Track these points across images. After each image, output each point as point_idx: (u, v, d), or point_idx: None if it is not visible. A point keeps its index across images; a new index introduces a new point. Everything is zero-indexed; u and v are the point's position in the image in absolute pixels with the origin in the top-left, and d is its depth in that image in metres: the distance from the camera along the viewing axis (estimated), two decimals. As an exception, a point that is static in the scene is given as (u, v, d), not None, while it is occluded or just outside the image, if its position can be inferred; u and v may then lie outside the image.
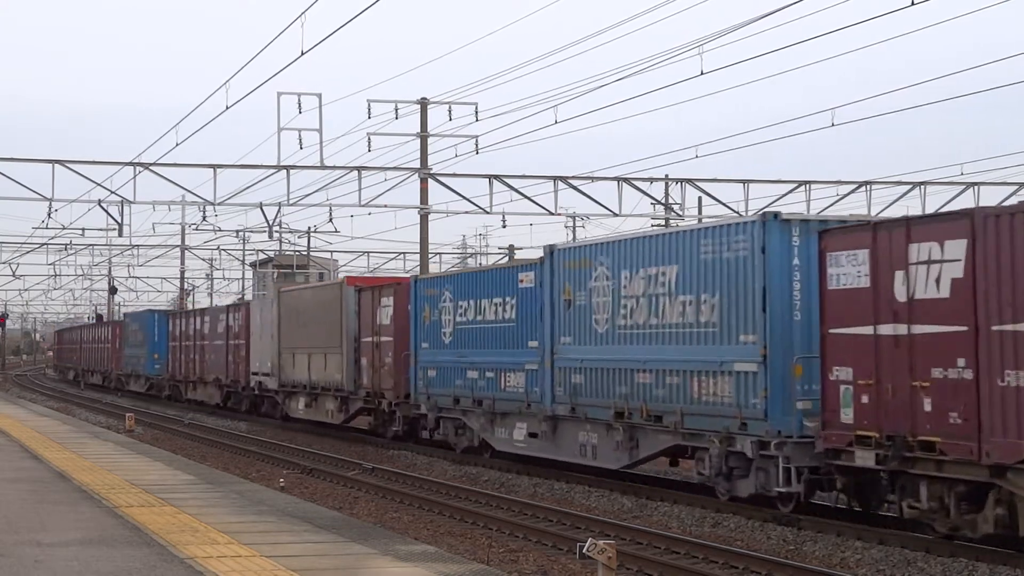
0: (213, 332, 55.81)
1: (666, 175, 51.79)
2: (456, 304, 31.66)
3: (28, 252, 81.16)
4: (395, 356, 35.16)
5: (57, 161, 41.72)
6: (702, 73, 33.28)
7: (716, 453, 21.94)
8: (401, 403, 34.98)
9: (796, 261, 21.00)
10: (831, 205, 46.25)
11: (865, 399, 18.45)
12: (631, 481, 26.08)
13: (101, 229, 68.29)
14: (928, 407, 17.38)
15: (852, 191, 45.85)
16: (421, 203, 44.79)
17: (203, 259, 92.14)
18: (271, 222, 47.97)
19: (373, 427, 38.46)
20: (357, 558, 13.34)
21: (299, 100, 40.46)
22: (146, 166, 42.44)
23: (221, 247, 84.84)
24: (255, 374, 48.53)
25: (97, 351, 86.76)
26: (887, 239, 18.17)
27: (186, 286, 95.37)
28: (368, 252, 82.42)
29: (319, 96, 40.65)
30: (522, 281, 28.73)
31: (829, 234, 19.56)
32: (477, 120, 43.34)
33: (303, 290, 44.74)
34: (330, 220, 51.20)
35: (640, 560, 17.78)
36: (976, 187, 45.66)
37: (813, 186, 45.48)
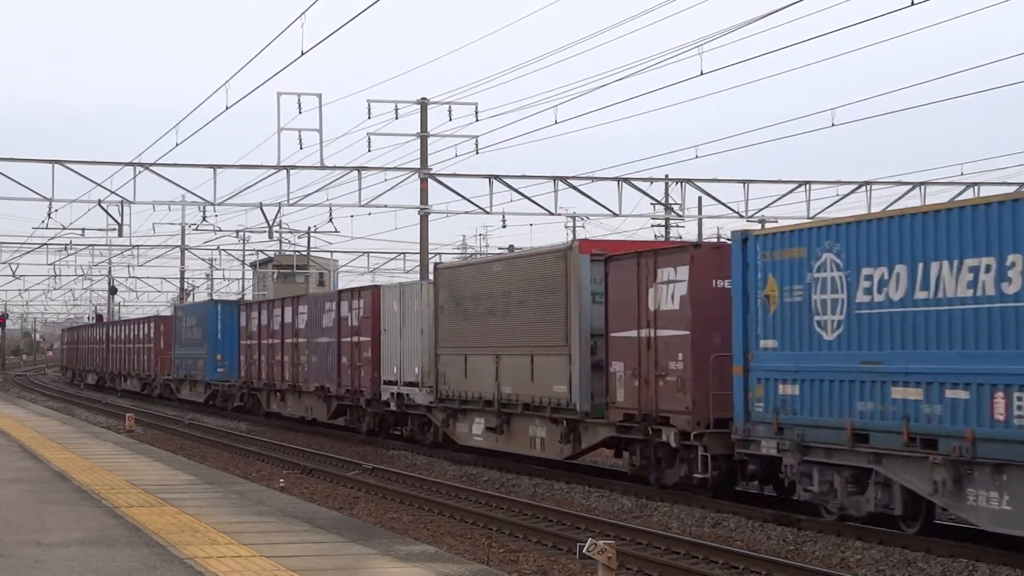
0: (314, 326, 43.39)
1: (666, 175, 51.80)
2: (855, 274, 19.82)
3: (28, 252, 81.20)
4: (692, 359, 23.07)
5: (57, 161, 41.71)
6: (702, 73, 33.30)
7: None
8: (706, 435, 22.86)
9: None
10: (831, 205, 46.31)
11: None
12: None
13: (101, 229, 68.34)
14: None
15: (852, 191, 45.86)
16: (421, 203, 44.79)
17: (203, 259, 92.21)
18: (271, 222, 47.94)
19: (662, 476, 24.55)
20: (357, 558, 13.34)
21: (299, 100, 40.48)
22: (146, 166, 42.44)
23: (221, 247, 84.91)
24: (389, 383, 36.49)
25: (132, 352, 73.77)
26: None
27: (186, 286, 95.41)
28: (368, 252, 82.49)
29: (319, 96, 40.69)
30: None
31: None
32: (477, 120, 43.38)
33: (486, 265, 32.18)
34: (330, 220, 51.15)
35: (640, 560, 17.78)
36: (976, 187, 45.66)
37: (813, 186, 45.47)
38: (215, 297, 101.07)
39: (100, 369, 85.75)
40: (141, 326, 72.57)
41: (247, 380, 50.53)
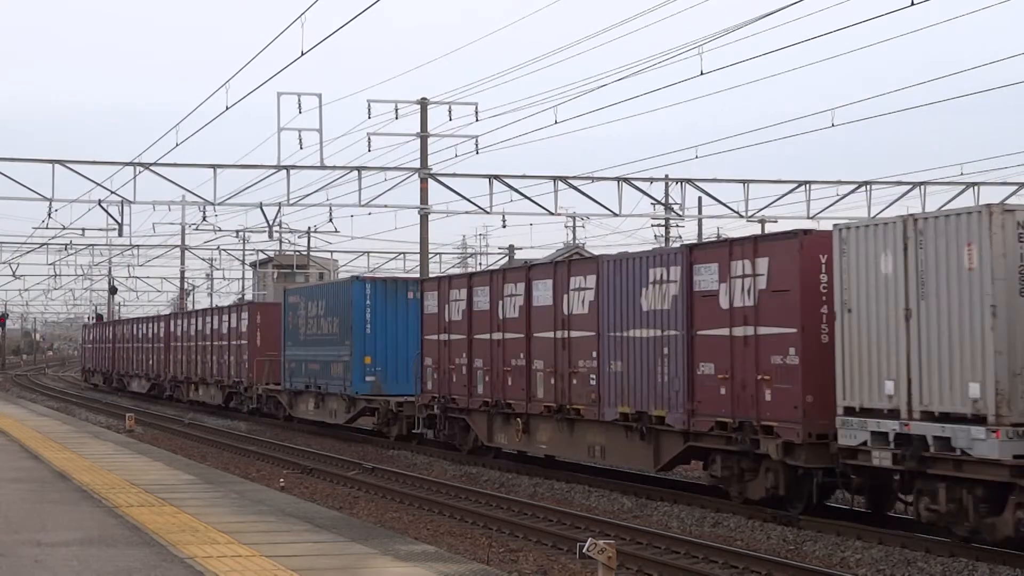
0: (629, 309, 24.92)
1: (666, 175, 51.80)
2: None
3: (28, 252, 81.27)
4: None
5: (57, 161, 41.72)
6: (702, 73, 33.31)
7: None
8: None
9: None
10: (831, 205, 46.28)
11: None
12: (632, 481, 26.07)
13: (101, 229, 68.44)
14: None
15: (852, 191, 45.85)
16: (421, 203, 44.79)
17: (203, 259, 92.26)
18: (271, 222, 47.95)
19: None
20: (357, 558, 13.34)
21: (299, 100, 40.50)
22: (146, 166, 42.43)
23: (221, 247, 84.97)
24: (855, 414, 19.06)
25: (205, 352, 56.27)
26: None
27: (186, 286, 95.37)
28: (368, 252, 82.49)
29: (319, 96, 40.71)
30: None
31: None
32: (477, 120, 43.38)
33: None
34: (330, 220, 51.27)
35: (640, 560, 17.78)
36: (976, 187, 45.66)
37: (813, 186, 45.46)
38: (215, 297, 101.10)
39: (152, 374, 67.01)
40: (220, 318, 54.62)
41: (444, 392, 32.29)
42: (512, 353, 29.43)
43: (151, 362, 67.36)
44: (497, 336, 30.06)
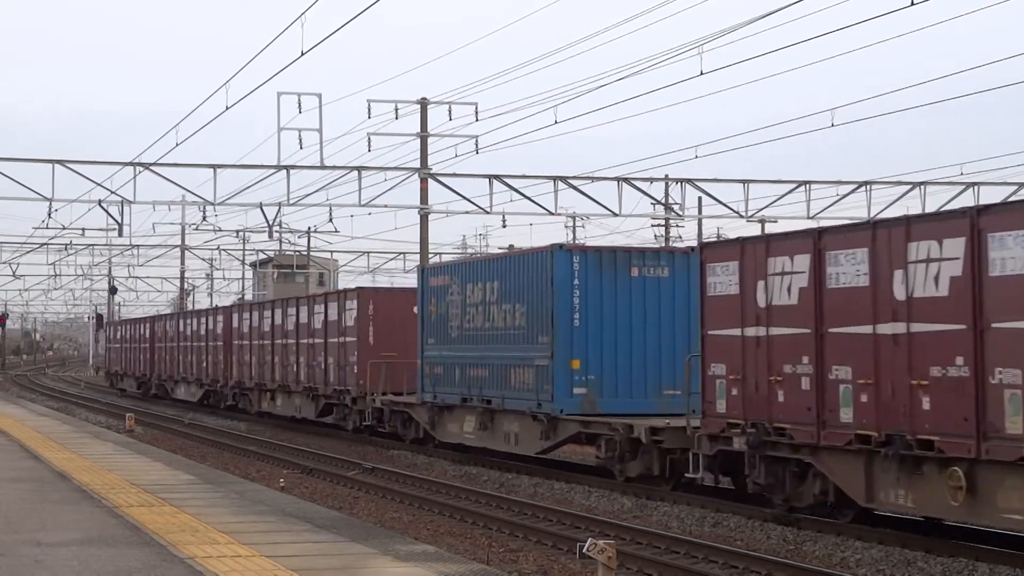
0: None
1: (666, 175, 51.82)
2: None
3: (28, 252, 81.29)
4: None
5: (57, 161, 41.73)
6: (702, 73, 33.32)
7: None
8: None
9: None
10: (831, 205, 46.31)
11: None
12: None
13: (101, 229, 68.47)
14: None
15: (852, 191, 45.86)
16: (421, 203, 44.80)
17: (203, 259, 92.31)
18: (271, 222, 47.99)
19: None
20: (357, 558, 13.34)
21: (299, 100, 40.53)
22: (146, 166, 42.45)
23: (221, 247, 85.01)
24: None
25: (291, 352, 44.86)
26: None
27: (186, 286, 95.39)
28: (368, 252, 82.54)
29: (319, 96, 40.74)
30: None
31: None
32: (477, 120, 43.43)
33: None
34: (330, 220, 51.36)
35: (640, 560, 17.78)
36: (976, 187, 45.68)
37: (813, 186, 45.49)
38: (215, 297, 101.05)
39: (207, 378, 55.65)
40: (311, 309, 43.33)
41: (757, 418, 20.98)
42: (930, 356, 17.39)
43: (205, 364, 55.53)
44: (892, 328, 17.90)
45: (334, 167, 43.73)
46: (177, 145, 50.60)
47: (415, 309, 34.67)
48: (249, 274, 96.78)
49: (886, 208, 44.99)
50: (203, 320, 57.02)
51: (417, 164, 44.83)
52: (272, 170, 42.91)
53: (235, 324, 51.81)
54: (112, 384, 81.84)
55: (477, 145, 44.50)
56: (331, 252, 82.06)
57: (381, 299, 39.73)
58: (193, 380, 58.16)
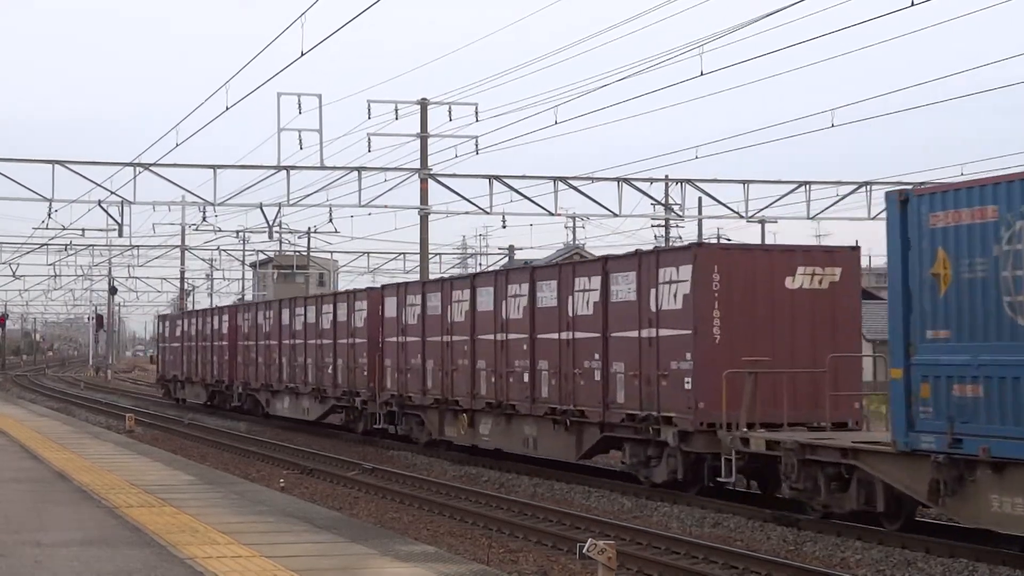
0: None
1: (666, 175, 51.76)
2: None
3: (28, 252, 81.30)
4: None
5: (57, 161, 41.74)
6: (702, 73, 33.33)
7: None
8: None
9: None
10: (831, 205, 46.31)
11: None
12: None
13: (101, 229, 68.44)
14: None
15: (852, 191, 45.87)
16: (421, 203, 44.80)
17: (203, 259, 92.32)
18: (271, 222, 48.04)
19: None
20: (357, 558, 13.34)
21: (299, 100, 40.55)
22: (146, 166, 42.46)
23: (221, 247, 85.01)
24: None
25: (549, 356, 27.83)
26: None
27: (186, 286, 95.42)
28: (368, 252, 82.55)
29: (319, 96, 40.77)
30: None
31: None
32: (477, 120, 43.44)
33: None
34: (330, 220, 51.25)
35: (640, 560, 17.78)
36: (976, 187, 45.61)
37: (813, 186, 45.49)
38: (215, 297, 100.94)
39: (333, 390, 40.42)
40: (567, 283, 27.21)
41: None
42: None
43: (332, 369, 40.38)
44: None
45: (334, 167, 43.75)
46: (177, 145, 50.83)
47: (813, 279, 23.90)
48: (249, 274, 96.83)
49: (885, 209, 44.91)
50: (328, 308, 40.97)
51: (417, 164, 44.84)
52: (272, 170, 42.93)
53: (390, 313, 35.58)
54: (168, 393, 63.76)
55: (477, 145, 44.52)
56: (331, 252, 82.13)
57: (734, 262, 23.81)
58: (308, 391, 42.54)
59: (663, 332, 24.09)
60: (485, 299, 30.83)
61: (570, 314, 27.05)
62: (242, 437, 41.50)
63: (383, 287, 38.11)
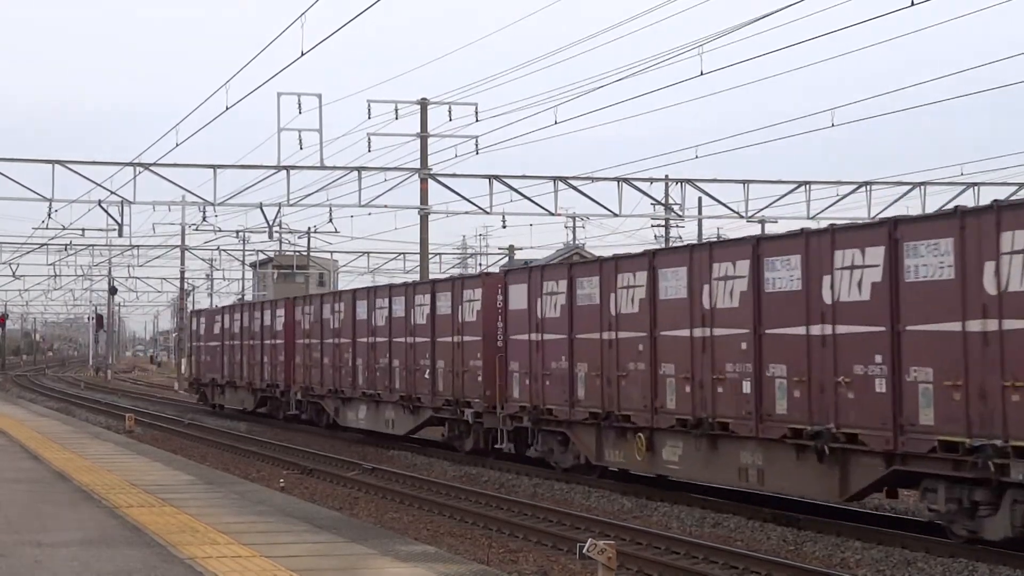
0: None
1: (666, 175, 51.79)
2: None
3: (28, 252, 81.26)
4: None
5: (57, 161, 41.74)
6: (702, 73, 33.32)
7: None
8: None
9: None
10: (831, 205, 46.32)
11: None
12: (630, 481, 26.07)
13: (101, 229, 68.43)
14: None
15: (852, 191, 45.87)
16: (421, 203, 44.80)
17: (203, 259, 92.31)
18: (271, 222, 48.02)
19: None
20: (357, 558, 13.34)
21: (299, 100, 40.55)
22: (146, 166, 42.46)
23: (221, 247, 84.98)
24: None
25: None
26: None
27: (186, 286, 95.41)
28: (368, 252, 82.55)
29: (319, 96, 40.76)
30: None
31: None
32: (477, 120, 43.44)
33: None
34: (330, 220, 51.22)
35: (640, 560, 17.78)
36: (976, 187, 45.68)
37: (813, 186, 45.50)
38: (215, 298, 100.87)
39: (431, 399, 33.21)
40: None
41: None
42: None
43: (427, 374, 33.52)
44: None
45: (334, 167, 43.74)
46: (177, 145, 50.77)
47: None
48: (249, 274, 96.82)
49: (886, 208, 45.02)
50: (424, 299, 34.00)
51: (417, 164, 44.85)
52: (272, 170, 42.92)
53: (517, 304, 29.19)
54: (204, 399, 57.01)
55: (477, 145, 44.53)
56: (331, 252, 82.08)
57: None
58: (394, 399, 35.49)
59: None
60: (673, 283, 23.44)
61: (828, 301, 19.60)
62: (242, 437, 41.49)
63: (506, 272, 31.69)
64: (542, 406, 27.71)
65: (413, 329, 34.45)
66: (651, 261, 24.15)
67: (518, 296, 28.98)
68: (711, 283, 22.24)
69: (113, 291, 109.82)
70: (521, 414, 28.61)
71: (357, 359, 38.17)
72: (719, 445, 22.25)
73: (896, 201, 45.66)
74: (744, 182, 45.15)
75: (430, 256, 50.99)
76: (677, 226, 71.79)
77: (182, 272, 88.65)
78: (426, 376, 33.45)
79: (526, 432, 28.92)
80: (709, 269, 22.38)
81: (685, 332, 22.88)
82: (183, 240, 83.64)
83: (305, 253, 79.82)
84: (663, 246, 56.77)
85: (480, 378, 30.64)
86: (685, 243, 23.47)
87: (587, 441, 26.49)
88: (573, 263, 28.49)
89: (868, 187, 45.40)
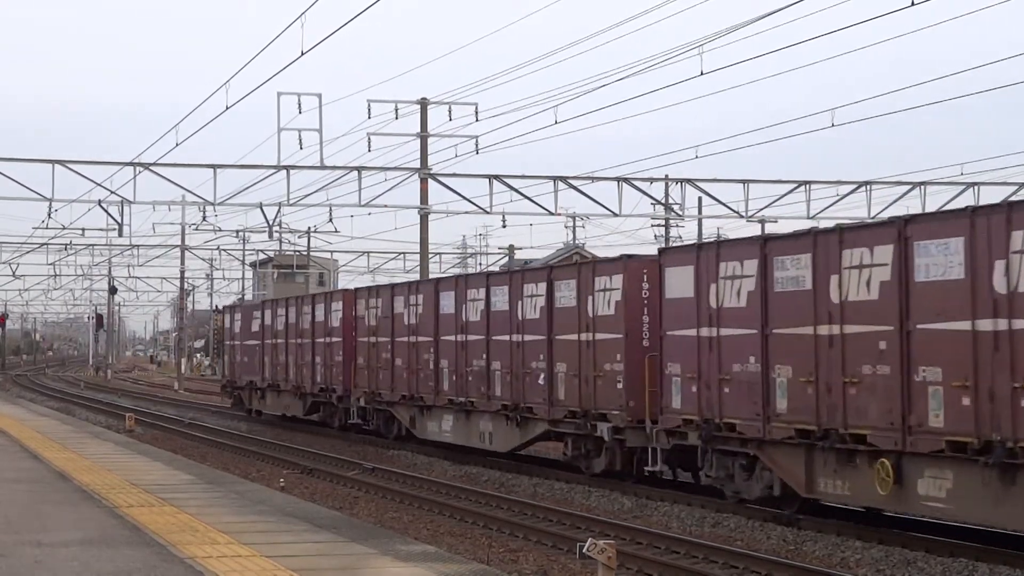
0: None
1: (666, 175, 51.81)
2: None
3: (28, 252, 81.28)
4: None
5: (57, 161, 41.73)
6: (702, 73, 33.31)
7: None
8: None
9: None
10: (831, 205, 46.31)
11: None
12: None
13: (101, 229, 68.43)
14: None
15: (852, 191, 45.87)
16: (421, 203, 44.80)
17: (203, 259, 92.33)
18: (271, 222, 48.01)
19: None
20: (357, 558, 13.34)
21: (299, 100, 40.54)
22: (146, 166, 42.45)
23: (221, 247, 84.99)
24: None
25: None
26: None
27: (186, 286, 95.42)
28: (368, 252, 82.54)
29: (319, 96, 40.73)
30: None
31: None
32: (477, 120, 43.43)
33: None
34: (330, 220, 51.22)
35: (640, 560, 17.79)
36: (976, 187, 45.69)
37: (813, 186, 45.50)
38: (215, 297, 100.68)
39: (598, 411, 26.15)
40: None
41: None
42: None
43: (542, 379, 27.91)
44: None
45: (334, 167, 43.74)
46: (177, 145, 50.56)
47: None
48: (249, 274, 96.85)
49: (886, 208, 45.01)
50: (536, 288, 28.43)
51: (417, 164, 44.84)
52: (272, 170, 42.91)
53: (678, 291, 23.21)
54: (239, 403, 51.16)
55: (477, 145, 44.52)
56: (331, 252, 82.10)
57: None
58: (494, 409, 29.97)
59: None
60: (938, 260, 17.54)
61: None
62: (242, 437, 41.49)
63: (662, 251, 24.94)
64: (718, 420, 21.80)
65: (521, 325, 28.58)
66: (900, 231, 18.15)
67: (679, 282, 23.05)
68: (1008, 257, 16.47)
69: (113, 291, 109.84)
70: (685, 429, 22.76)
71: (441, 360, 32.56)
72: (1020, 479, 16.52)
73: (896, 201, 45.68)
74: (744, 182, 45.15)
75: (430, 256, 50.99)
76: (677, 226, 71.82)
77: (182, 272, 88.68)
78: (540, 382, 27.72)
79: (689, 452, 23.28)
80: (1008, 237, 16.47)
81: (962, 325, 16.98)
82: (183, 240, 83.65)
83: (305, 253, 79.83)
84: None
85: (620, 385, 24.93)
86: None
87: (789, 466, 20.50)
88: (769, 236, 22.03)
89: (868, 187, 45.40)
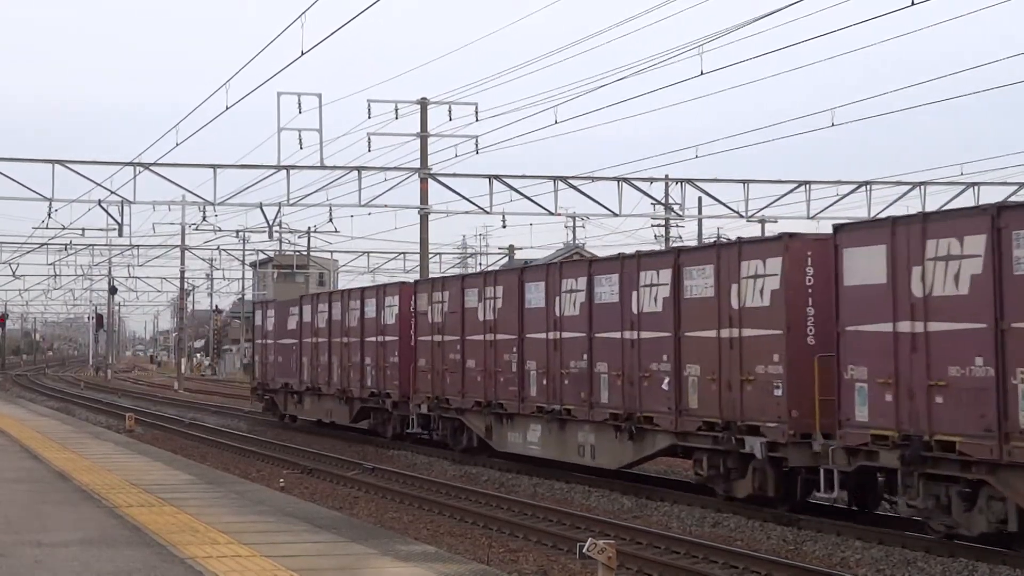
0: None
1: (666, 175, 51.85)
2: None
3: (28, 252, 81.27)
4: None
5: (57, 161, 41.73)
6: (702, 73, 33.32)
7: None
8: None
9: None
10: (831, 205, 46.30)
11: None
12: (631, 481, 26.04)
13: (101, 229, 68.42)
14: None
15: (852, 191, 45.87)
16: (421, 203, 44.80)
17: (203, 259, 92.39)
18: (271, 222, 47.98)
19: None
20: (357, 558, 13.34)
21: (299, 100, 40.54)
22: (146, 166, 42.45)
23: (221, 247, 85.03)
24: None
25: None
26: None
27: (186, 286, 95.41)
28: (368, 252, 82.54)
29: (319, 96, 40.74)
30: None
31: None
32: (477, 120, 43.44)
33: None
34: (330, 220, 51.20)
35: (640, 560, 17.79)
36: (976, 187, 45.69)
37: (813, 186, 45.50)
38: (215, 297, 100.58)
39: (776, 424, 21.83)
40: None
41: None
42: None
43: (665, 384, 23.94)
44: None
45: (334, 167, 43.73)
46: (177, 145, 50.71)
47: None
48: (249, 274, 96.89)
49: (886, 208, 45.02)
50: (655, 277, 24.34)
51: (417, 164, 44.85)
52: (272, 170, 42.91)
53: (859, 277, 19.10)
54: (272, 408, 46.69)
55: (477, 145, 44.53)
56: (331, 252, 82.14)
57: None
58: (602, 419, 25.90)
59: None
60: None
61: None
62: (242, 437, 41.49)
63: (837, 228, 19.65)
64: (926, 436, 17.73)
65: (636, 320, 24.57)
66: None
67: (865, 265, 18.82)
68: None
69: (113, 291, 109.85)
70: (875, 447, 18.59)
71: (526, 362, 28.69)
72: None
73: (896, 201, 45.68)
74: (744, 182, 45.15)
75: (430, 256, 50.99)
76: (677, 226, 71.82)
77: (182, 272, 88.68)
78: (663, 387, 23.80)
79: (869, 474, 19.73)
80: None
81: None
82: (183, 240, 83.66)
83: (305, 253, 79.84)
84: None
85: (779, 391, 20.88)
86: None
87: None
88: (1004, 205, 16.91)
89: (868, 187, 45.40)
